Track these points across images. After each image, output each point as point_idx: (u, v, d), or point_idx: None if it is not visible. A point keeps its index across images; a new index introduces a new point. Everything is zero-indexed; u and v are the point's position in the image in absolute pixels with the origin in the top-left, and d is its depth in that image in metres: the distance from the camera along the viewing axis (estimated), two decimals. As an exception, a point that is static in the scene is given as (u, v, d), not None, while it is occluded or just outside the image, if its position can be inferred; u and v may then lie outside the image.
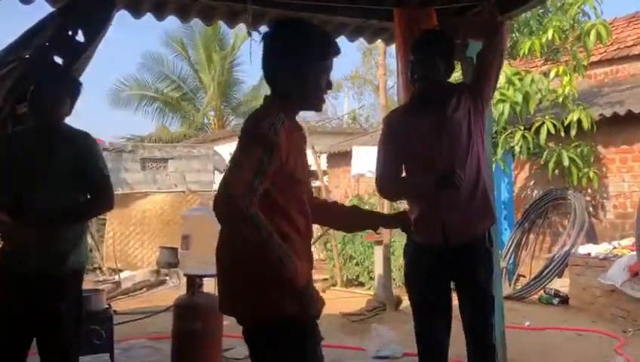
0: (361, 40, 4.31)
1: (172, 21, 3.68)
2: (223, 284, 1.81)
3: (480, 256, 2.58)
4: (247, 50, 3.21)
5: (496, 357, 2.64)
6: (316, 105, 1.86)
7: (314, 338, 1.77)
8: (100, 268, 9.47)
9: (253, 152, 1.64)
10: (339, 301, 6.67)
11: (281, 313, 1.69)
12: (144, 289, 8.24)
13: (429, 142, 2.52)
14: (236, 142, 1.74)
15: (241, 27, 3.81)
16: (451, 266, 2.57)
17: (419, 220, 2.52)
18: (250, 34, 3.43)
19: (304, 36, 1.80)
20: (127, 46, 32.92)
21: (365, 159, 11.03)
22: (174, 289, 7.59)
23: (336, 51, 1.83)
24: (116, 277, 8.55)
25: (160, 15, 3.64)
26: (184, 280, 4.43)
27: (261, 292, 1.69)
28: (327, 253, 8.97)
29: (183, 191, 11.31)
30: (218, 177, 14.48)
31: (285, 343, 1.72)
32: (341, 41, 4.06)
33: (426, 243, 2.58)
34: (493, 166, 6.43)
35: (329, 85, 1.84)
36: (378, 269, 7.00)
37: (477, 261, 2.57)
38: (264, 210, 1.63)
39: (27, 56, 2.96)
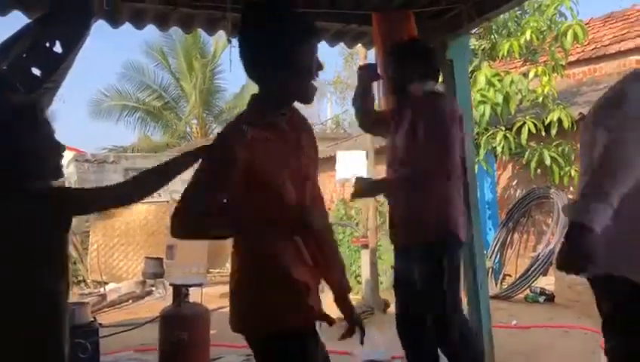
0: (342, 45, 4.33)
1: (151, 30, 3.66)
2: (231, 304, 1.75)
3: (426, 261, 2.62)
4: (228, 58, 3.22)
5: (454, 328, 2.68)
6: (308, 94, 1.66)
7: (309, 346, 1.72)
8: (84, 281, 9.36)
9: (202, 171, 1.61)
10: (327, 306, 6.66)
11: (279, 326, 1.66)
12: (130, 300, 8.15)
13: (391, 142, 2.75)
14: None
15: (221, 34, 3.81)
16: (411, 266, 2.68)
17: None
18: (229, 41, 3.42)
19: (276, 20, 1.60)
20: (108, 55, 32.67)
21: (350, 164, 11.06)
22: (160, 300, 7.52)
23: (313, 31, 1.69)
24: (101, 289, 8.44)
25: (139, 24, 3.62)
26: (170, 290, 4.40)
27: (260, 306, 1.67)
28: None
29: (167, 201, 11.23)
30: (202, 186, 14.39)
31: (286, 351, 1.68)
32: (322, 46, 4.08)
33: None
34: (476, 167, 6.48)
35: (319, 67, 1.66)
36: (365, 273, 7.01)
37: (421, 265, 2.63)
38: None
39: (4, 68, 2.92)
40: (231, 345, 4.71)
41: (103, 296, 7.97)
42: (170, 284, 4.38)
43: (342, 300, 1.93)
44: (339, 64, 18.05)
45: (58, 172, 1.86)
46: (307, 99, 1.68)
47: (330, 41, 4.12)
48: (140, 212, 10.17)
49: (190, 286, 4.14)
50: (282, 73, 1.61)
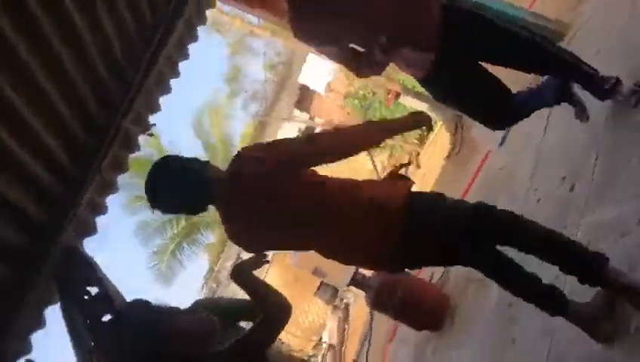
0: (201, 30, 4.18)
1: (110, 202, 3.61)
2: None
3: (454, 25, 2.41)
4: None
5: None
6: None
7: None
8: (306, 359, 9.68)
9: None
10: (434, 158, 6.69)
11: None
12: (345, 326, 8.47)
13: None
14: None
15: (143, 139, 3.75)
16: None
17: None
18: (151, 135, 3.39)
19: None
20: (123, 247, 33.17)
21: (315, 74, 10.82)
22: (358, 302, 7.77)
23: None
24: (323, 346, 8.77)
25: (98, 211, 3.59)
26: (353, 289, 4.54)
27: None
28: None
29: (267, 261, 11.40)
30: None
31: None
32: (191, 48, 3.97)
33: None
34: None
35: None
36: (421, 107, 6.97)
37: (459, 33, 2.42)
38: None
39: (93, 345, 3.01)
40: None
41: (331, 346, 8.30)
42: (348, 285, 4.51)
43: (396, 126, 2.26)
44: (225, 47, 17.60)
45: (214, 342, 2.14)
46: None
47: (190, 38, 3.99)
48: (271, 279, 10.39)
49: (356, 273, 4.28)
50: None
